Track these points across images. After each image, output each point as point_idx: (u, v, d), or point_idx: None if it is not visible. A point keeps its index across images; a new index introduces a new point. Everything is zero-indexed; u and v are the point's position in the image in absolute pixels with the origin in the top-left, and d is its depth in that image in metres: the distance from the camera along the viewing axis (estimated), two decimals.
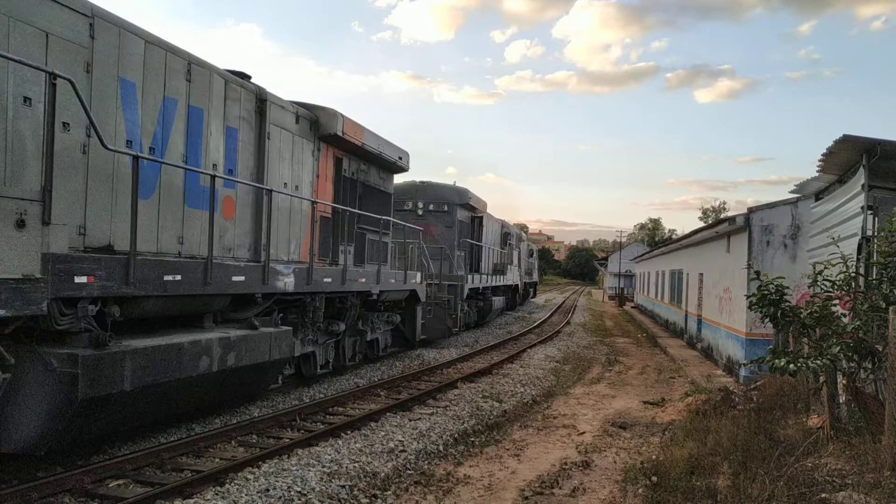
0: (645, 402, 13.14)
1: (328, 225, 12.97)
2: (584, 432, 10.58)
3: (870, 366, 7.44)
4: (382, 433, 9.64)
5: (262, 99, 10.81)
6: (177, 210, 8.92)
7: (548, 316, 37.13)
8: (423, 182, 22.71)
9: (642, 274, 48.22)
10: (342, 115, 12.72)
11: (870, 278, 8.19)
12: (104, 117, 7.58)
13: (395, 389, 13.08)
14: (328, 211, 12.96)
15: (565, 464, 8.72)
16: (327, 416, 10.62)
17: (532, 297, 52.03)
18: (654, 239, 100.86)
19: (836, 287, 7.95)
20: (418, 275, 17.43)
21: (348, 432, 9.62)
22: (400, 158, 15.77)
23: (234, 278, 9.43)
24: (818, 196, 12.43)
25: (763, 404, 10.28)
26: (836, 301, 8.04)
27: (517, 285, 37.09)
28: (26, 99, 6.58)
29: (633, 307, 51.16)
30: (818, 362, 7.11)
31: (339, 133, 12.63)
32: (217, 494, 6.77)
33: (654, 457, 8.71)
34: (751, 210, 15.81)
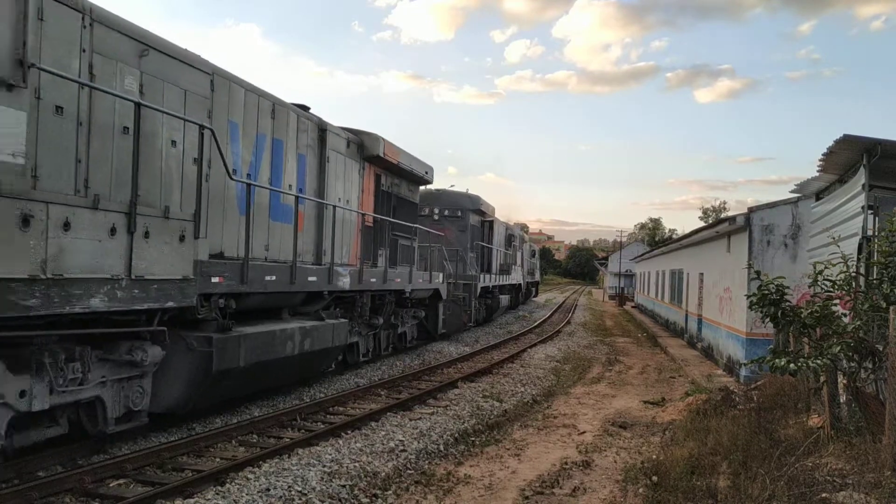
0: (645, 402, 13.15)
1: (370, 232, 15.11)
2: (584, 432, 10.59)
3: (870, 366, 7.43)
4: (383, 433, 9.64)
5: (322, 129, 12.88)
6: (263, 223, 10.84)
7: (548, 315, 37.12)
8: (439, 190, 24.51)
9: (642, 274, 48.22)
10: (383, 139, 15.00)
11: (870, 278, 8.19)
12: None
13: (395, 389, 13.08)
14: (370, 221, 15.14)
15: (566, 463, 8.73)
16: (328, 416, 10.63)
17: (534, 297, 53.96)
18: (654, 239, 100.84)
19: (836, 287, 7.95)
20: (440, 275, 19.58)
21: (349, 432, 9.62)
22: (426, 173, 18.13)
23: (310, 278, 11.47)
24: (818, 196, 12.43)
25: (763, 404, 10.28)
26: (837, 301, 8.03)
27: (520, 284, 39.08)
28: (173, 142, 8.47)
29: (633, 307, 51.17)
30: (818, 362, 7.11)
31: (381, 154, 14.89)
32: (218, 494, 6.77)
33: (654, 456, 8.71)
34: (751, 210, 15.81)
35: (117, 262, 7.08)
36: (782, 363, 7.19)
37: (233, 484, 7.09)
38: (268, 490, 6.90)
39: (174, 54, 8.62)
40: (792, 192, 14.14)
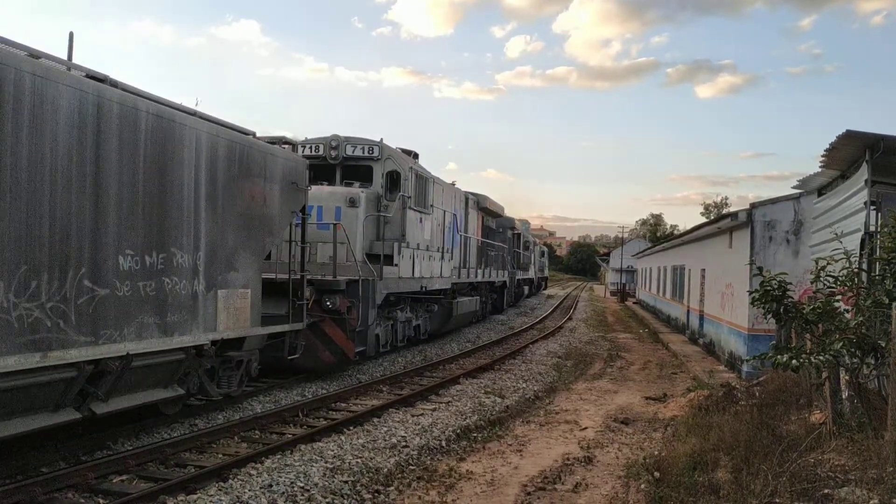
0: (647, 398, 13.15)
1: (479, 249, 25.54)
2: (586, 428, 10.59)
3: (873, 362, 7.42)
4: (385, 429, 9.65)
5: (466, 198, 23.32)
6: (458, 257, 21.78)
7: (549, 311, 37.14)
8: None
9: (644, 270, 48.19)
10: (488, 197, 27.10)
11: (873, 274, 8.18)
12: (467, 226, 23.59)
13: (397, 385, 13.09)
14: (480, 243, 25.70)
15: (567, 459, 8.73)
16: (329, 412, 10.65)
17: (544, 289, 64.26)
18: (655, 235, 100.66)
19: (838, 283, 7.94)
20: (506, 272, 32.22)
21: (351, 428, 9.64)
22: (503, 210, 30.16)
23: (471, 277, 23.63)
24: (821, 192, 12.41)
25: (765, 400, 10.27)
26: (839, 297, 8.03)
27: (534, 279, 51.37)
28: (449, 224, 21.10)
29: (634, 303, 51.16)
30: (821, 358, 7.10)
31: (486, 207, 26.65)
32: (220, 490, 6.79)
33: (656, 452, 8.71)
34: (753, 205, 15.78)
35: (437, 270, 18.42)
36: (785, 359, 7.19)
37: (235, 480, 7.11)
38: (270, 486, 6.92)
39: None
40: (794, 187, 14.12)
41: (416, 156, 17.76)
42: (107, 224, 7.37)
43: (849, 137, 8.74)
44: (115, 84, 7.68)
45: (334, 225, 13.29)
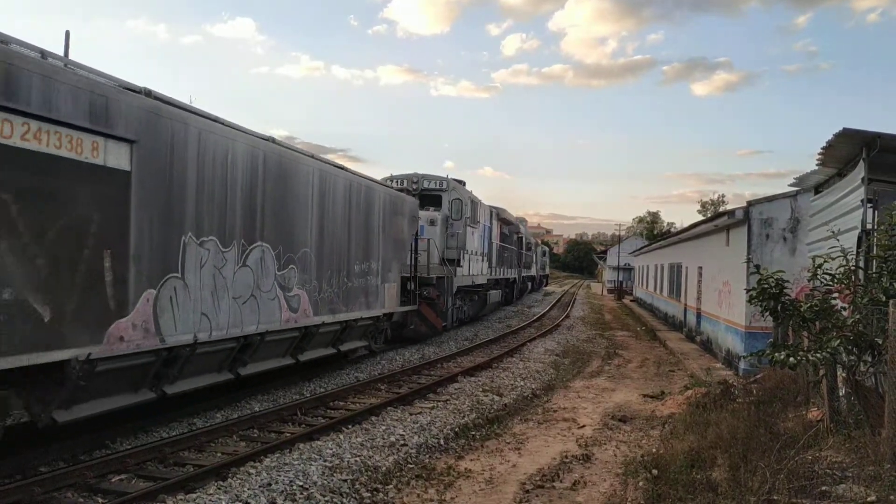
0: (645, 396, 13.18)
1: (498, 252, 30.60)
2: (584, 426, 10.61)
3: (869, 359, 7.44)
4: (383, 427, 9.66)
5: (492, 211, 28.23)
6: (490, 259, 28.38)
7: (547, 309, 37.16)
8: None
9: (641, 267, 48.25)
10: (505, 209, 32.67)
11: (869, 272, 8.20)
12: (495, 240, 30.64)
13: (395, 383, 13.10)
14: (499, 248, 30.72)
15: (566, 457, 8.75)
16: (328, 411, 10.65)
17: (545, 286, 71.99)
18: (652, 232, 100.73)
19: (835, 280, 7.96)
20: (515, 270, 38.34)
21: (349, 426, 9.65)
22: (517, 220, 38.26)
23: (496, 276, 30.60)
24: (818, 189, 12.43)
25: (763, 397, 10.30)
26: (836, 294, 8.04)
27: (536, 276, 59.57)
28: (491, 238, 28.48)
29: (631, 301, 51.21)
30: (818, 356, 7.13)
31: (504, 217, 31.98)
32: (219, 489, 6.80)
33: (654, 450, 8.73)
34: (750, 203, 15.81)
35: (481, 270, 25.37)
36: (782, 357, 7.21)
37: (234, 479, 7.11)
38: (269, 485, 6.92)
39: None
40: (791, 185, 14.13)
41: (464, 182, 23.86)
42: (350, 247, 13.71)
43: (846, 135, 8.75)
44: (356, 174, 14.47)
45: (429, 240, 19.92)
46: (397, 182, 21.01)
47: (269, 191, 10.56)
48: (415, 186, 21.44)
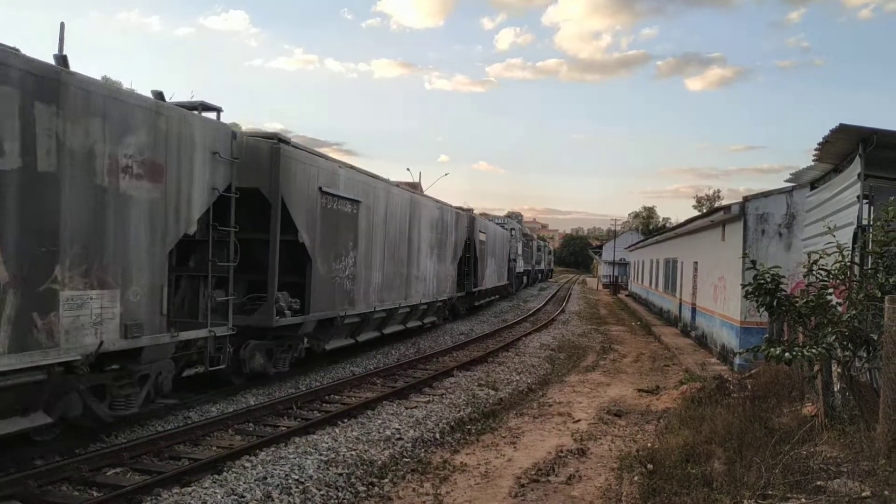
0: (640, 390, 13.20)
1: (525, 255, 50.88)
2: (579, 420, 10.63)
3: (865, 354, 7.47)
4: (379, 421, 9.66)
5: (523, 234, 51.93)
6: (524, 258, 50.78)
7: (542, 304, 37.22)
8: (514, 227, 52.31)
9: (636, 262, 48.33)
10: (524, 224, 61.98)
11: (865, 267, 8.21)
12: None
13: (391, 377, 13.11)
14: (521, 250, 47.77)
15: (561, 451, 8.76)
16: (324, 405, 10.65)
17: (550, 278, 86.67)
18: (648, 227, 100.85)
19: (831, 276, 7.97)
20: (528, 265, 55.98)
21: (345, 420, 9.65)
22: (531, 230, 67.76)
23: (525, 268, 52.77)
24: (813, 185, 12.44)
25: (757, 392, 10.33)
26: (832, 290, 8.06)
27: (544, 269, 76.78)
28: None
29: (626, 295, 51.31)
30: (813, 351, 7.13)
31: (525, 233, 55.22)
32: (215, 482, 6.79)
33: (649, 444, 8.76)
34: (746, 199, 15.82)
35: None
36: (777, 352, 7.22)
37: (230, 472, 7.11)
38: (265, 478, 6.92)
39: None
40: (787, 181, 14.13)
41: (520, 216, 47.61)
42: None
43: (842, 131, 8.75)
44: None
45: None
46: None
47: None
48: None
